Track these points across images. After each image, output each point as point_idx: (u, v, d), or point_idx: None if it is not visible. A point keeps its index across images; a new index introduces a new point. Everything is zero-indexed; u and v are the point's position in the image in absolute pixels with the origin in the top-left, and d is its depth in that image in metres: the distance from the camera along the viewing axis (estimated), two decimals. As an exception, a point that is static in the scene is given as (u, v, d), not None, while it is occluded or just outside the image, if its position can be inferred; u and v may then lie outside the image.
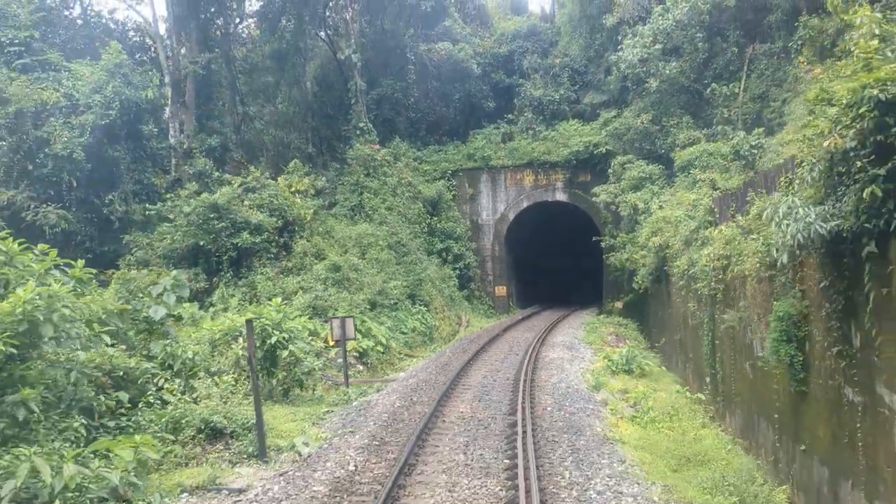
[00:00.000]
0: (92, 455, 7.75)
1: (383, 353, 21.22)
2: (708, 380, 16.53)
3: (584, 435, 10.71)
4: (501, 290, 37.34)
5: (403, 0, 38.86)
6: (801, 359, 10.64)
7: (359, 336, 19.90)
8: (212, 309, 20.50)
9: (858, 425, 8.81)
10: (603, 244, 31.80)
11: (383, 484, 8.42)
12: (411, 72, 39.22)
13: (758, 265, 11.62)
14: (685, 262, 18.30)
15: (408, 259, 29.67)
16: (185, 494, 8.51)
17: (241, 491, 8.66)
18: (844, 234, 8.34)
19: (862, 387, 8.70)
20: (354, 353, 19.41)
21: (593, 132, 36.47)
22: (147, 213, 23.45)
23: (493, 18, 48.84)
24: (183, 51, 28.00)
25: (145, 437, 8.36)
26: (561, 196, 36.61)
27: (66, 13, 30.12)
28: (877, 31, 8.33)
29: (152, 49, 29.41)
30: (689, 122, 30.56)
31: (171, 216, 23.21)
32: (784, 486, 9.35)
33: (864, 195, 7.55)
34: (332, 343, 18.35)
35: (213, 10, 29.64)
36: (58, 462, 7.06)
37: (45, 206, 21.94)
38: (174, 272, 14.06)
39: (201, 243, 22.16)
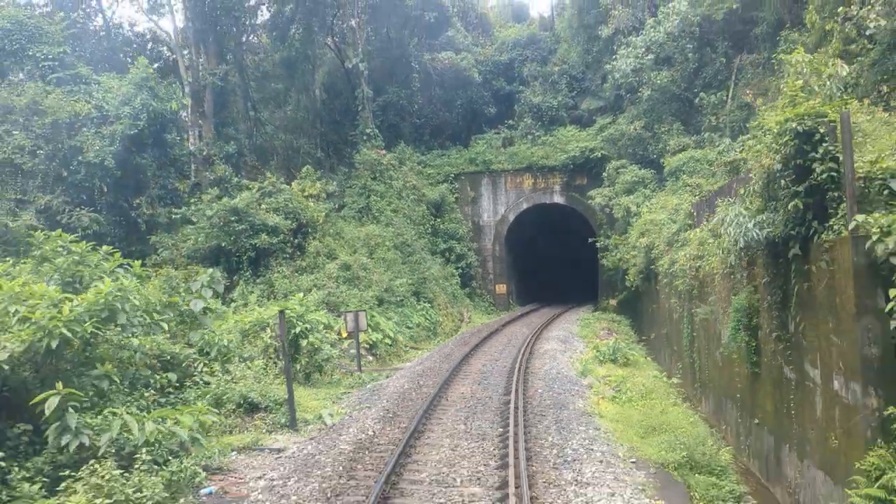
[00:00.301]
0: (160, 419, 9.54)
1: (391, 345, 23.02)
2: (686, 368, 18.32)
3: (568, 410, 12.48)
4: (502, 289, 39.12)
5: (408, 11, 40.63)
6: (754, 344, 12.45)
7: (368, 330, 21.69)
8: (233, 304, 22.31)
9: (792, 398, 10.61)
10: (598, 245, 33.54)
11: (397, 444, 10.21)
12: (416, 79, 41.01)
13: (721, 264, 13.42)
14: (667, 261, 20.09)
15: (413, 258, 31.46)
16: (235, 452, 10.32)
17: (279, 451, 10.47)
18: (776, 240, 10.12)
19: (795, 365, 10.51)
20: (365, 345, 21.20)
21: (589, 138, 38.22)
22: (172, 216, 25.27)
23: (495, 27, 50.62)
24: (201, 62, 29.80)
25: (200, 405, 10.16)
26: (559, 199, 38.37)
27: (91, 25, 31.95)
28: (806, 71, 10.04)
29: (171, 59, 31.14)
30: (680, 129, 32.27)
31: (194, 219, 25.03)
32: (728, 447, 11.11)
33: (790, 207, 9.36)
34: (344, 335, 20.15)
35: (229, 23, 31.34)
36: (140, 421, 8.86)
37: (78, 209, 23.74)
38: (210, 270, 15.89)
39: (222, 244, 23.98)
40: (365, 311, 20.22)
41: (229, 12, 30.81)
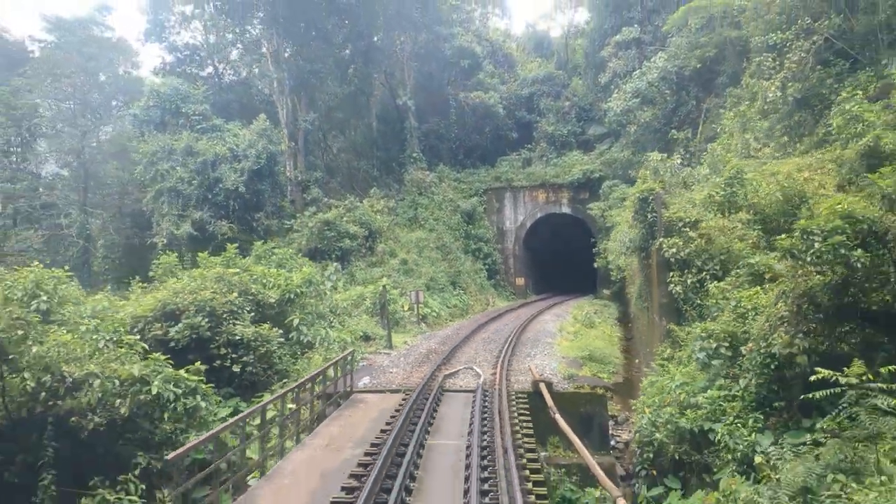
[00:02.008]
0: (337, 333, 19.74)
1: (436, 317, 33.10)
2: (632, 329, 28.14)
3: (541, 343, 22.42)
4: (520, 281, 48.98)
5: (446, 58, 50.70)
6: (645, 306, 22.29)
7: (420, 306, 31.82)
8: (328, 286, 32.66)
9: (652, 331, 20.45)
10: (595, 248, 43.18)
11: (446, 352, 20.30)
12: (452, 112, 51.06)
13: (624, 261, 23.28)
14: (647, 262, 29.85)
15: (450, 256, 41.55)
16: (364, 355, 20.56)
17: (388, 354, 20.71)
18: (640, 244, 19.98)
19: (649, 311, 20.37)
20: (419, 316, 31.31)
21: (590, 161, 47.84)
22: (283, 225, 35.78)
23: (519, 63, 60.43)
24: (298, 109, 40.41)
25: (349, 329, 20.38)
26: (566, 209, 48.06)
27: (223, 83, 43.00)
28: (658, 167, 19.73)
29: (270, 99, 41.68)
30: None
31: (297, 227, 35.49)
32: (620, 354, 21.02)
33: (640, 232, 19.25)
34: (406, 309, 30.30)
35: (315, 81, 41.85)
36: (328, 332, 19.10)
37: (218, 221, 34.37)
38: (335, 264, 26.22)
39: (318, 246, 34.33)
40: (422, 290, 30.44)
41: (316, 73, 41.27)
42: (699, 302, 16.83)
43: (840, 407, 9.14)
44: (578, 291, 50.27)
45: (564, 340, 23.05)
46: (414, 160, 48.12)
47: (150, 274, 24.20)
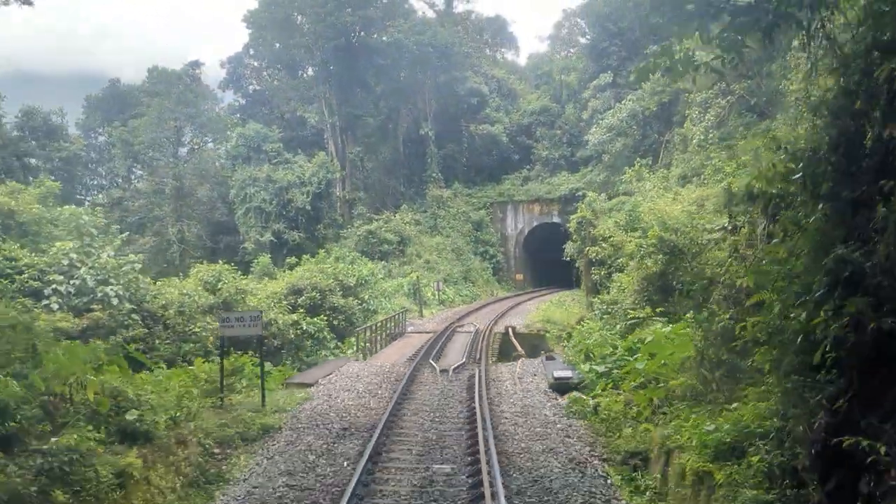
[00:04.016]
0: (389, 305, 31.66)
1: (452, 301, 44.95)
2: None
3: (521, 314, 34.24)
4: (519, 276, 60.71)
5: (460, 96, 62.64)
6: (591, 285, 34.04)
7: (441, 293, 43.70)
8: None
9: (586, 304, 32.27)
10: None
11: (457, 319, 32.17)
12: (464, 140, 63.00)
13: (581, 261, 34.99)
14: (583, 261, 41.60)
15: (462, 257, 53.41)
16: (412, 319, 32.46)
17: (420, 319, 32.61)
18: (580, 250, 31.75)
19: (587, 294, 32.22)
20: (440, 300, 43.17)
21: (576, 180, 59.44)
22: (337, 234, 47.84)
23: (521, 95, 72.16)
24: (345, 144, 52.62)
25: (396, 304, 32.29)
26: (556, 219, 59.69)
27: (279, 119, 55.50)
28: (590, 200, 31.37)
29: (325, 140, 53.90)
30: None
31: (347, 235, 47.53)
32: (574, 322, 32.90)
33: (579, 242, 31.12)
34: (430, 295, 42.17)
35: (357, 121, 54.03)
36: (382, 302, 31.05)
37: (290, 231, 46.52)
38: (381, 263, 38.29)
39: (364, 249, 46.25)
40: (441, 282, 42.45)
41: (359, 117, 53.39)
42: (608, 285, 28.48)
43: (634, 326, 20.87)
44: (565, 285, 61.73)
45: (537, 313, 34.84)
46: (434, 179, 60.08)
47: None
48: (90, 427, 8.12)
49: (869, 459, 4.55)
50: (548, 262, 68.15)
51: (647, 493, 9.02)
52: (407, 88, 61.17)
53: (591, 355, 16.93)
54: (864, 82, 5.33)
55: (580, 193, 59.22)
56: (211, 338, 20.43)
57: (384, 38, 53.68)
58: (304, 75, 56.09)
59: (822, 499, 5.21)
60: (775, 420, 6.49)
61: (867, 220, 5.11)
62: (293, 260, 35.21)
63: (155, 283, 22.37)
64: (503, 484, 8.74)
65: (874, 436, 4.65)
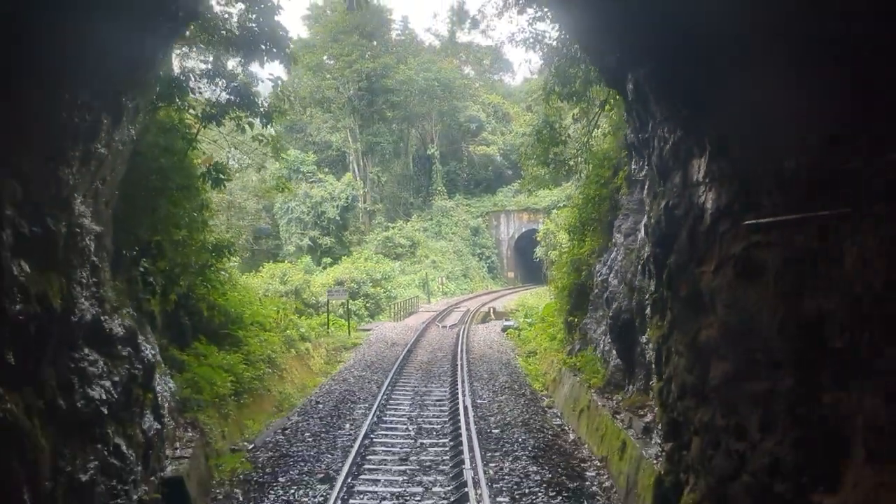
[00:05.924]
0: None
1: (453, 293, 56.42)
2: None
3: (503, 301, 45.75)
4: (511, 274, 72.18)
5: (461, 121, 74.21)
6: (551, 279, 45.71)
7: (443, 286, 55.20)
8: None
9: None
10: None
11: (456, 303, 43.69)
12: (465, 157, 74.53)
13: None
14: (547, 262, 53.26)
15: (463, 258, 64.95)
16: (425, 303, 44.02)
17: (428, 304, 44.20)
18: (544, 254, 43.30)
19: (549, 286, 44.01)
20: (443, 292, 54.66)
21: (557, 194, 70.70)
22: (360, 239, 59.44)
23: (514, 118, 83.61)
24: (367, 165, 64.27)
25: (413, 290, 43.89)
26: (541, 226, 71.05)
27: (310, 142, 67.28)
28: (558, 219, 42.87)
29: (349, 162, 65.55)
30: (596, 194, 64.87)
31: (368, 241, 59.13)
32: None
33: (544, 248, 42.78)
34: (435, 288, 53.73)
35: (377, 145, 65.70)
36: (400, 291, 42.63)
37: (323, 237, 58.17)
38: (397, 263, 49.92)
39: (382, 252, 57.83)
40: (444, 278, 54.10)
41: (377, 143, 65.10)
42: (562, 278, 39.95)
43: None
44: (545, 282, 73.54)
45: (516, 301, 46.35)
46: (439, 192, 71.63)
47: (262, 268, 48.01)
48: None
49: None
50: (533, 262, 79.93)
51: (532, 366, 20.59)
52: (416, 115, 72.75)
53: (526, 315, 28.43)
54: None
55: (561, 204, 70.84)
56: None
57: (398, 77, 65.25)
58: (333, 107, 67.91)
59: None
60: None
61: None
62: (328, 260, 46.93)
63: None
64: (467, 360, 20.37)
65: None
